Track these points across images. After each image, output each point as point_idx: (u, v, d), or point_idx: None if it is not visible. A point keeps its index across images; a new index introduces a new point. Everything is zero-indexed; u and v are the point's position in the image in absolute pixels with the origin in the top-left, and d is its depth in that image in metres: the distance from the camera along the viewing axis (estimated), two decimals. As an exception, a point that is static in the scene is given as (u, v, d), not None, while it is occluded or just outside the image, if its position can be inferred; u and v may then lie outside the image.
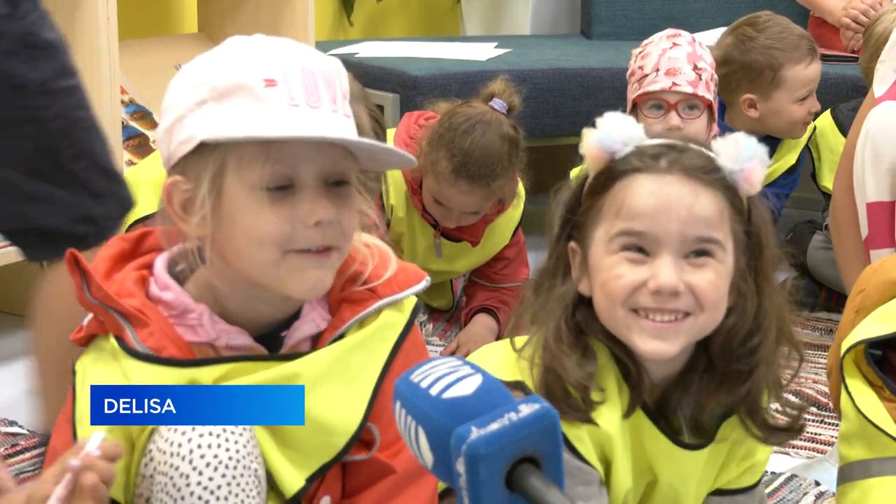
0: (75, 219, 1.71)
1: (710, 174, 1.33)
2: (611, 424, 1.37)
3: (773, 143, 2.96)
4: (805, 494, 2.08)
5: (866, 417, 1.57)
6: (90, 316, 1.37)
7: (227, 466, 1.25)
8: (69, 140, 1.69)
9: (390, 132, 2.72)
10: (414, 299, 1.41)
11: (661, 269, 1.31)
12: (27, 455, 2.21)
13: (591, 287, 1.37)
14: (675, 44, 2.56)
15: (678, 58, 2.53)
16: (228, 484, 1.25)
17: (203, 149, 1.27)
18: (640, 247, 1.33)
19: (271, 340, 1.36)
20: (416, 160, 1.36)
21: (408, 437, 1.03)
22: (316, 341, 1.37)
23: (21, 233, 1.70)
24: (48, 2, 2.71)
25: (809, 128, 3.00)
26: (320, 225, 1.28)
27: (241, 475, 1.25)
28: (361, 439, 1.37)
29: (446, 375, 1.03)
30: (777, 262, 1.40)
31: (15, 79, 1.64)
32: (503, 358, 1.43)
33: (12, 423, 2.33)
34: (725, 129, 2.91)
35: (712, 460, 1.45)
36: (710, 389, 1.39)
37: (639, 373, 1.37)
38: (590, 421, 1.36)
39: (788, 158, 3.00)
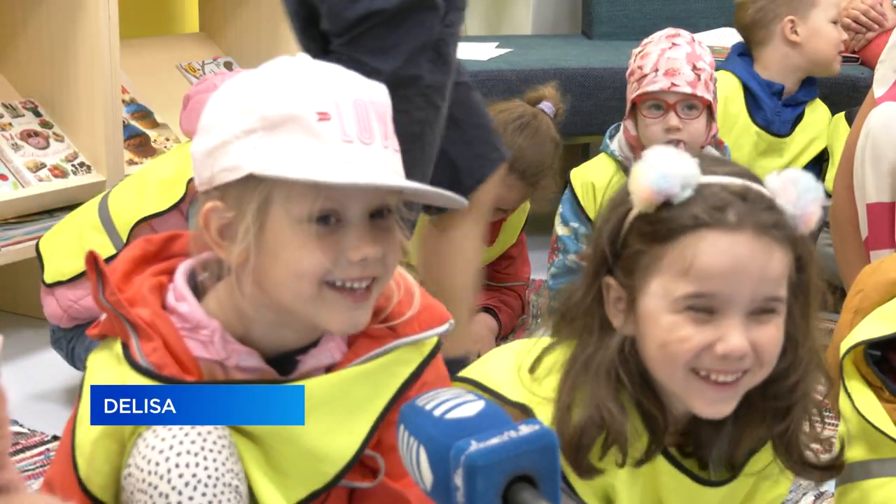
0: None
1: (779, 230, 1.26)
2: (617, 476, 1.33)
3: (801, 104, 3.04)
4: (805, 494, 2.07)
5: (866, 419, 1.56)
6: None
7: (206, 485, 1.22)
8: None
9: None
10: (435, 339, 1.38)
11: (731, 332, 1.25)
12: (28, 454, 2.20)
13: (636, 331, 1.31)
14: (674, 44, 2.54)
15: (677, 58, 2.52)
16: (210, 502, 1.22)
17: (249, 179, 1.23)
18: (708, 306, 1.26)
19: (284, 363, 1.34)
20: (466, 201, 1.32)
21: (409, 458, 1.03)
22: (329, 371, 1.34)
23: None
24: (49, 1, 2.72)
25: (827, 117, 3.03)
26: (364, 261, 1.26)
27: (222, 492, 1.23)
28: (369, 467, 1.34)
29: (450, 400, 1.04)
30: (819, 297, 1.35)
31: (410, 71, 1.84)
32: (509, 375, 1.39)
33: (14, 423, 2.31)
34: (755, 80, 2.94)
35: (732, 494, 1.39)
36: (745, 426, 1.34)
37: (664, 421, 1.33)
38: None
39: (815, 137, 3.04)
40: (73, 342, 2.32)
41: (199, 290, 1.33)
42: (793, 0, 2.98)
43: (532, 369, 1.37)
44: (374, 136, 1.24)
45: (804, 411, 1.35)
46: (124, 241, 2.21)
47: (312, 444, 1.29)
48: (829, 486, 2.02)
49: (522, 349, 1.42)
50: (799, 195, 1.27)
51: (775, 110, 2.97)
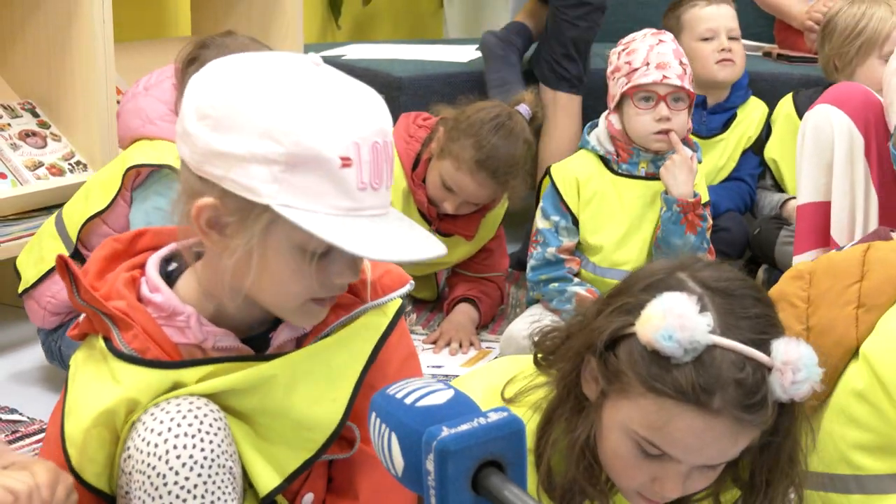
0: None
1: (757, 421, 1.22)
2: None
3: (729, 110, 3.05)
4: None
5: None
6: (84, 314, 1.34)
7: (202, 466, 1.22)
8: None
9: None
10: (398, 301, 1.39)
11: (671, 480, 1.26)
12: (28, 441, 2.18)
13: (597, 420, 1.30)
14: (660, 40, 2.56)
15: (666, 52, 2.53)
16: (205, 483, 1.22)
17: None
18: (660, 454, 1.25)
19: (259, 341, 1.33)
20: (445, 249, 1.26)
21: (380, 445, 1.03)
22: (301, 342, 1.35)
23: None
24: (44, 4, 2.70)
25: (763, 113, 3.06)
26: (345, 284, 1.28)
27: (217, 473, 1.23)
28: (345, 437, 1.35)
29: (420, 388, 1.04)
30: (801, 444, 1.30)
31: None
32: (488, 394, 1.38)
33: (13, 411, 2.30)
34: None
35: None
36: None
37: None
38: None
39: (751, 136, 3.06)
40: (59, 342, 2.36)
41: (170, 280, 1.33)
42: (664, 28, 2.94)
43: (512, 400, 1.36)
44: (382, 181, 1.23)
45: None
46: (74, 241, 2.33)
47: (300, 415, 1.30)
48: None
49: (506, 372, 1.40)
50: (794, 382, 1.22)
51: (699, 120, 2.99)
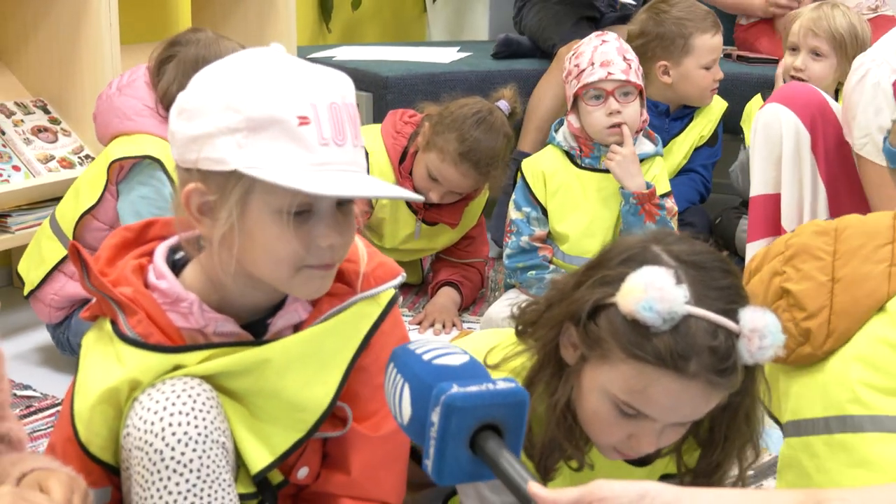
0: None
1: (727, 384, 1.26)
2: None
3: (688, 114, 3.06)
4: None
5: None
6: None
7: (196, 441, 1.24)
8: None
9: (372, 127, 2.77)
10: (392, 291, 1.39)
11: (646, 437, 1.30)
12: (41, 416, 2.21)
13: (577, 383, 1.33)
14: (604, 41, 2.60)
15: (609, 51, 2.57)
16: (200, 458, 1.24)
17: (233, 171, 1.22)
18: (636, 414, 1.29)
19: (258, 327, 1.34)
20: (422, 196, 1.30)
21: (392, 393, 1.03)
22: (298, 329, 1.34)
23: None
24: (54, 8, 2.72)
25: (722, 105, 3.08)
26: (331, 247, 1.26)
27: (211, 448, 1.25)
28: (338, 416, 1.36)
29: (440, 349, 1.06)
30: (758, 404, 1.34)
31: None
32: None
33: (27, 387, 2.33)
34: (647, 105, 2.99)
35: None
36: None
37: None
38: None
39: (704, 134, 3.08)
40: (66, 333, 2.39)
41: (177, 268, 1.34)
42: (668, 46, 2.94)
43: (496, 366, 1.39)
44: (346, 138, 1.24)
45: (725, 477, 1.39)
46: (70, 238, 2.33)
47: (292, 396, 1.31)
48: (772, 448, 1.91)
49: (488, 342, 1.44)
50: (760, 347, 1.25)
51: (663, 127, 2.98)
